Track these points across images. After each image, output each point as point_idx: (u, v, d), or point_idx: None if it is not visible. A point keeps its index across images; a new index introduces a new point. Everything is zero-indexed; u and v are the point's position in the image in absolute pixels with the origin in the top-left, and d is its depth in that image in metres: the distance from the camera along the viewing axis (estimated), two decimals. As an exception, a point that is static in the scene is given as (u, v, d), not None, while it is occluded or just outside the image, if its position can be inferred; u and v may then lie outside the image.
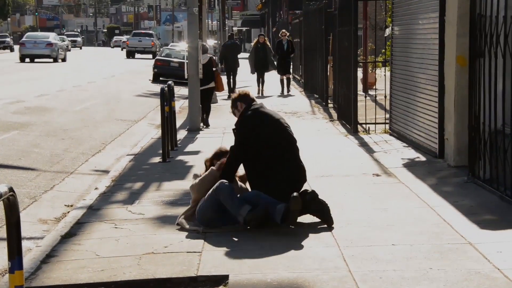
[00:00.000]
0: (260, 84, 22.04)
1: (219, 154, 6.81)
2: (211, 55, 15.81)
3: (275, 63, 22.22)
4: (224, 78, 18.31)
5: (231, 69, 21.84)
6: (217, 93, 18.41)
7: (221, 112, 17.25)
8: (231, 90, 21.95)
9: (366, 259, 5.34)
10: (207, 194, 6.37)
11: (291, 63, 23.71)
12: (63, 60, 43.23)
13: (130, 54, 51.64)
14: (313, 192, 6.54)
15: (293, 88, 23.26)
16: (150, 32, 60.34)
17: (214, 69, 15.15)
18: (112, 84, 27.39)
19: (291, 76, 23.06)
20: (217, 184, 6.31)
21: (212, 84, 14.99)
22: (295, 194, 6.23)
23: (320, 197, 7.43)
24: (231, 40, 23.86)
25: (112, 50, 72.29)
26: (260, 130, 6.64)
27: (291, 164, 6.66)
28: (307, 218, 6.49)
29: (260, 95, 21.27)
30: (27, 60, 41.19)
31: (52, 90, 23.35)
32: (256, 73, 22.10)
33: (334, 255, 5.49)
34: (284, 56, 22.05)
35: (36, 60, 41.81)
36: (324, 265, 5.24)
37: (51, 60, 41.83)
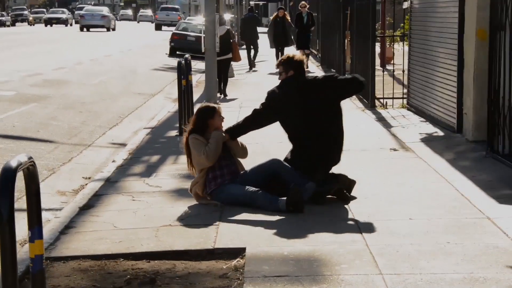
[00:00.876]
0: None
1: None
2: (228, 27, 16.41)
3: (294, 37, 21.37)
4: (243, 53, 20.25)
5: (251, 43, 22.44)
6: (234, 68, 18.58)
7: (237, 86, 17.21)
8: (251, 63, 22.62)
9: (383, 233, 5.34)
10: (238, 193, 6.15)
11: (311, 37, 22.18)
12: (114, 29, 52.97)
13: (158, 27, 55.89)
14: (340, 175, 6.45)
15: (309, 63, 22.91)
16: (177, 7, 63.52)
17: (231, 40, 15.71)
18: (129, 58, 27.40)
19: (309, 51, 22.05)
20: (252, 190, 6.10)
21: (229, 55, 15.60)
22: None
23: (336, 171, 7.43)
24: (250, 13, 23.98)
25: (139, 24, 72.68)
26: (290, 101, 6.44)
27: (319, 140, 6.44)
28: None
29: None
30: (84, 29, 51.66)
31: (70, 63, 23.40)
32: (275, 47, 21.46)
33: (351, 229, 5.48)
34: (303, 30, 20.92)
35: (91, 29, 51.61)
36: (341, 238, 5.24)
37: (105, 29, 51.73)
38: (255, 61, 22.86)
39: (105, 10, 53.93)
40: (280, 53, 20.99)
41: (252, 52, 22.66)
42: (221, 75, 15.11)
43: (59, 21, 63.55)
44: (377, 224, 5.58)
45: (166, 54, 29.69)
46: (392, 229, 5.42)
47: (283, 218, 5.84)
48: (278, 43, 21.08)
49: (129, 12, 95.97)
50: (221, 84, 15.21)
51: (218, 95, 14.45)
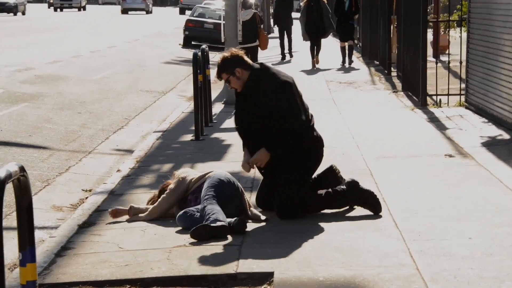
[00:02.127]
0: (315, 53, 19.83)
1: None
2: (255, 11, 16.52)
3: (334, 26, 20.14)
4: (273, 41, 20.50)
5: (285, 28, 22.94)
6: (263, 59, 18.64)
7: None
8: (289, 51, 23.28)
9: (437, 255, 5.31)
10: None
11: (355, 26, 21.00)
12: (151, 12, 66.19)
13: (183, 11, 61.38)
14: (352, 181, 6.53)
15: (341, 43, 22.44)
16: None
17: (258, 26, 16.09)
18: (136, 49, 27.60)
19: (353, 43, 20.87)
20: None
21: (256, 43, 15.89)
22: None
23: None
24: None
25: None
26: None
27: (318, 146, 6.66)
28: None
29: (313, 67, 19.62)
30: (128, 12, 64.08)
31: (66, 55, 23.63)
32: (309, 39, 19.86)
33: (399, 249, 5.46)
34: (344, 18, 19.90)
35: (131, 12, 64.04)
36: (386, 261, 5.23)
37: (144, 12, 64.84)
38: (292, 47, 23.39)
39: None
40: (316, 46, 19.78)
41: (286, 40, 23.13)
42: None
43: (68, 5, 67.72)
44: (430, 244, 5.55)
45: (180, 44, 29.85)
46: (448, 251, 5.39)
47: (316, 236, 5.83)
48: (313, 34, 19.75)
49: None
50: None
51: None
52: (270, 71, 6.57)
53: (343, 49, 20.15)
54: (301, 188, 6.41)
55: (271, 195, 6.53)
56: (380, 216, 6.33)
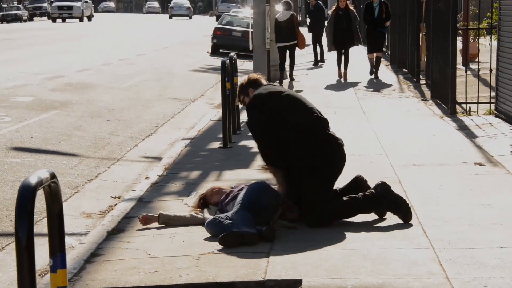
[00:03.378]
0: (343, 65, 18.69)
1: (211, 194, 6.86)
2: (292, 12, 18.50)
3: (360, 35, 19.21)
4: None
5: (318, 36, 23.52)
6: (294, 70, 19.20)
7: (292, 89, 17.25)
8: (321, 60, 23.93)
9: (467, 264, 5.27)
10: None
11: (386, 35, 19.57)
12: (191, 18, 76.59)
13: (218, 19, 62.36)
14: (383, 184, 6.48)
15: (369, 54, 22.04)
16: None
17: (296, 26, 18.12)
18: (165, 57, 27.74)
19: (382, 54, 19.28)
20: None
21: (294, 42, 17.90)
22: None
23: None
24: (317, 5, 24.19)
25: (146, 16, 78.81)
26: (277, 108, 6.57)
27: (327, 144, 6.56)
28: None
29: (342, 79, 18.56)
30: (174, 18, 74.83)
31: (96, 63, 23.80)
32: (336, 50, 18.78)
33: (428, 258, 5.43)
34: (374, 26, 18.55)
35: (177, 18, 74.72)
36: (415, 270, 5.20)
37: (188, 18, 75.10)
38: (324, 57, 23.98)
39: (187, 3, 78.37)
40: (344, 56, 18.77)
41: (318, 48, 23.87)
42: (284, 62, 18.08)
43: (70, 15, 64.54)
44: (460, 253, 5.51)
45: (208, 52, 29.96)
46: (478, 259, 5.35)
47: (344, 244, 5.82)
48: (340, 43, 18.60)
49: (155, 4, 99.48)
50: (283, 71, 18.04)
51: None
52: (256, 92, 6.78)
53: (371, 60, 19.01)
54: (324, 195, 6.39)
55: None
56: (409, 225, 6.30)
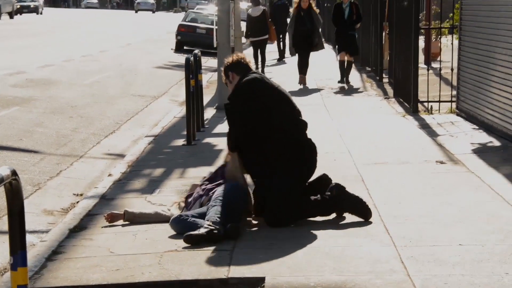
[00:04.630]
0: (304, 70, 17.35)
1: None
2: (264, 8, 19.83)
3: (336, 38, 17.65)
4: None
5: (281, 32, 23.83)
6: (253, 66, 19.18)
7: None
8: (281, 54, 24.68)
9: (428, 261, 5.32)
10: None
11: (356, 37, 17.75)
12: (154, 12, 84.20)
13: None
14: (338, 185, 6.50)
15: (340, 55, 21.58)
16: None
17: (269, 20, 19.66)
18: (128, 54, 27.59)
19: (352, 59, 17.50)
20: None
21: (266, 36, 19.38)
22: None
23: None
24: (281, 0, 24.57)
25: (137, 15, 77.24)
26: (264, 100, 6.46)
27: (306, 148, 6.57)
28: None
29: (303, 85, 17.21)
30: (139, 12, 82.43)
31: (58, 59, 23.59)
32: (297, 54, 17.54)
33: (390, 256, 5.47)
34: (344, 28, 17.10)
35: (142, 11, 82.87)
36: (378, 267, 5.23)
37: (152, 12, 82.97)
38: (285, 52, 24.63)
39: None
40: (304, 60, 17.37)
41: (281, 42, 24.67)
42: (257, 56, 19.44)
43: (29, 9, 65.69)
44: (421, 250, 5.56)
45: (172, 49, 29.86)
46: (439, 257, 5.40)
47: (307, 242, 5.84)
48: (301, 47, 17.30)
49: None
50: (261, 66, 19.41)
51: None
52: (240, 81, 6.57)
53: (341, 63, 17.18)
54: (290, 197, 6.37)
55: (262, 203, 6.53)
56: (371, 222, 6.34)
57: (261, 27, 19.62)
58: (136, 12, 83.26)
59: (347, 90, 16.38)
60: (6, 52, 26.19)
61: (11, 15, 56.00)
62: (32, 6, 65.99)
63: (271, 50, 24.96)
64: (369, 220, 6.37)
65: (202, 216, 6.19)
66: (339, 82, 17.06)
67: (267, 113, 6.44)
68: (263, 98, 6.47)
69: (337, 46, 17.75)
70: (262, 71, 19.37)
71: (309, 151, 6.58)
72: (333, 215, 6.53)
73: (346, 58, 17.00)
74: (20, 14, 62.91)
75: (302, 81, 17.29)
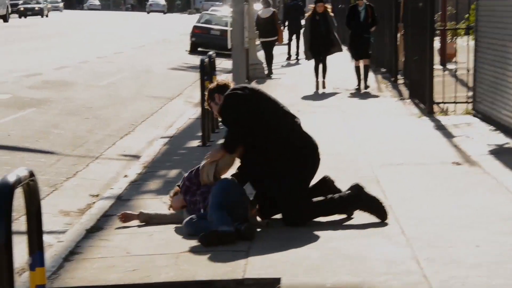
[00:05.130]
0: (320, 75, 16.85)
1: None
2: (274, 9, 20.45)
3: (350, 41, 17.03)
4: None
5: (294, 32, 24.65)
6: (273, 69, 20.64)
7: (269, 89, 17.26)
8: (297, 53, 25.24)
9: (444, 263, 5.30)
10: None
11: (371, 41, 17.23)
12: (165, 13, 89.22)
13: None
14: (357, 185, 6.50)
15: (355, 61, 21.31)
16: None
17: (278, 22, 20.58)
18: (143, 55, 27.66)
19: (368, 63, 17.15)
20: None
21: (275, 37, 20.15)
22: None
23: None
24: (294, 1, 25.10)
25: (148, 15, 78.67)
26: (258, 106, 6.43)
27: (308, 148, 6.51)
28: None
29: (319, 90, 16.69)
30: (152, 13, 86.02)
31: (74, 61, 23.68)
32: (313, 57, 16.96)
33: (406, 257, 5.46)
34: (359, 31, 16.64)
35: (154, 13, 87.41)
36: (394, 268, 5.22)
37: (163, 13, 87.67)
38: (299, 52, 25.04)
39: (163, 1, 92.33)
40: (322, 64, 16.93)
41: (294, 42, 25.09)
42: (268, 54, 20.34)
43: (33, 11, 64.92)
44: (438, 251, 5.54)
45: (187, 50, 29.92)
46: (455, 258, 5.38)
47: (323, 243, 5.83)
48: (318, 51, 16.80)
49: (96, 1, 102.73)
50: (271, 65, 20.25)
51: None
52: (238, 86, 6.63)
53: (357, 69, 16.72)
54: (302, 195, 6.38)
55: (267, 205, 6.53)
56: (387, 224, 6.32)
57: (270, 28, 20.22)
58: (148, 13, 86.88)
59: (362, 92, 16.33)
60: (21, 54, 26.32)
61: (4, 18, 52.20)
62: (36, 8, 64.54)
63: (285, 51, 25.31)
64: (385, 221, 6.36)
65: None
66: (356, 89, 16.47)
67: (261, 114, 6.42)
68: (253, 101, 6.46)
69: (351, 51, 17.21)
70: (270, 70, 20.20)
71: (307, 147, 6.51)
72: (343, 215, 6.51)
73: (361, 63, 16.59)
74: (25, 17, 62.55)
75: (319, 86, 16.76)
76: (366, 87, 16.56)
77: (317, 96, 15.83)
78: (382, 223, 6.34)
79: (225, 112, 6.50)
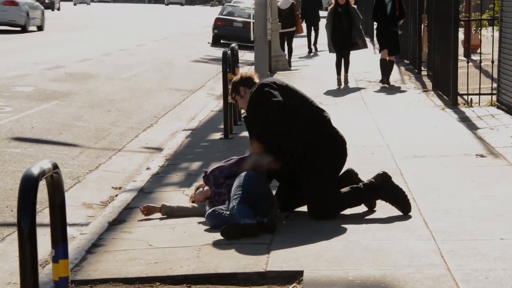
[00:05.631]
0: (343, 70, 16.26)
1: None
2: (292, 1, 20.95)
3: (377, 35, 16.75)
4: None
5: (312, 24, 25.09)
6: (292, 61, 21.07)
7: (292, 81, 17.25)
8: (314, 45, 25.71)
9: (468, 256, 5.29)
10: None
11: (399, 35, 16.52)
12: (183, 5, 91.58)
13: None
14: (384, 174, 6.47)
15: (378, 52, 20.96)
16: None
17: (297, 13, 21.13)
18: (165, 48, 27.72)
19: (393, 58, 16.47)
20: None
21: (293, 28, 20.69)
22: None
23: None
24: None
25: (167, 7, 79.63)
26: (283, 97, 6.35)
27: (338, 143, 6.52)
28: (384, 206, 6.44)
29: (342, 86, 16.10)
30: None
31: (96, 53, 23.79)
32: (335, 52, 16.23)
33: (429, 250, 5.45)
34: (386, 24, 15.91)
35: (172, 5, 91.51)
36: (417, 261, 5.21)
37: (180, 5, 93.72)
38: (317, 44, 25.60)
39: None
40: (344, 59, 16.24)
41: (313, 34, 25.42)
42: (284, 45, 20.72)
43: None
44: (461, 244, 5.52)
45: (209, 43, 29.96)
46: (479, 251, 5.36)
47: (345, 236, 5.83)
48: (341, 46, 16.06)
49: None
50: (290, 56, 20.91)
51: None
52: (253, 90, 6.54)
53: (382, 62, 16.00)
54: (332, 188, 6.39)
55: (289, 199, 6.55)
56: (410, 216, 6.31)
57: (289, 19, 20.69)
58: (166, 5, 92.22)
59: (385, 86, 16.26)
60: (44, 47, 26.48)
61: None
62: (46, 1, 61.99)
63: (304, 43, 25.73)
64: (409, 214, 6.34)
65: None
66: (380, 81, 16.06)
67: (289, 109, 6.38)
68: (282, 95, 6.40)
69: (379, 43, 16.70)
70: (289, 61, 20.70)
71: (337, 141, 6.52)
72: (365, 208, 6.50)
73: (387, 57, 15.93)
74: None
75: (341, 82, 16.16)
76: (388, 82, 15.92)
77: (339, 89, 15.80)
78: (405, 215, 6.33)
79: (254, 107, 6.46)
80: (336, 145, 6.50)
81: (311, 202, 6.39)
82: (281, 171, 6.51)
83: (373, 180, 6.48)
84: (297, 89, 6.69)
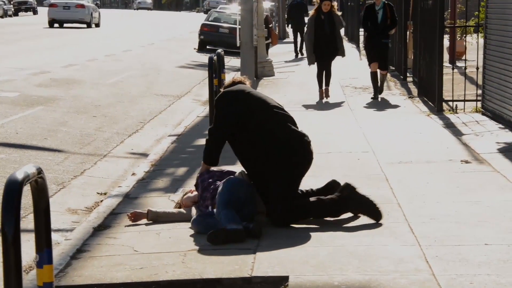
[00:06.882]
0: (324, 82, 15.06)
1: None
2: (266, 13, 21.52)
3: (362, 45, 16.37)
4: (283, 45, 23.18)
5: (298, 29, 25.81)
6: (276, 61, 20.57)
7: (279, 86, 17.27)
8: (300, 50, 26.15)
9: (453, 261, 5.30)
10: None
11: (389, 47, 15.51)
12: (151, 9, 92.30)
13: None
14: (348, 185, 6.42)
15: (364, 58, 19.97)
16: None
17: (270, 25, 21.78)
18: (151, 53, 27.70)
19: (386, 71, 15.58)
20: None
21: (268, 40, 21.22)
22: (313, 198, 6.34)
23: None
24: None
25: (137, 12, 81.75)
26: (247, 104, 6.52)
27: (294, 145, 6.47)
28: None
29: (323, 100, 14.90)
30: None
31: (81, 59, 23.73)
32: (317, 63, 14.97)
33: (415, 255, 5.46)
34: (376, 33, 14.80)
35: (141, 10, 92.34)
36: (402, 267, 5.22)
37: (148, 10, 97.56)
38: (303, 49, 25.76)
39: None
40: (326, 71, 15.02)
41: (299, 39, 25.99)
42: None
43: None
44: (446, 250, 5.54)
45: (195, 49, 29.95)
46: (464, 256, 5.38)
47: (331, 241, 5.84)
48: (322, 55, 14.84)
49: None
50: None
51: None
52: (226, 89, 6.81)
53: (373, 75, 14.82)
54: (286, 194, 6.33)
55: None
56: (396, 222, 6.32)
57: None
58: (136, 9, 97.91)
59: (370, 89, 16.28)
60: (29, 52, 26.38)
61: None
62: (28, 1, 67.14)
63: (291, 49, 26.52)
64: (379, 221, 6.30)
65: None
66: (372, 98, 14.72)
67: (249, 114, 6.47)
68: (243, 101, 6.54)
69: (367, 55, 15.59)
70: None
71: (295, 143, 6.46)
72: (348, 214, 6.48)
73: (379, 72, 14.87)
74: (17, 15, 63.32)
75: (322, 95, 14.99)
76: (378, 93, 14.88)
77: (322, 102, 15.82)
78: (394, 222, 6.32)
79: (216, 108, 6.75)
80: (294, 152, 6.42)
81: (268, 210, 6.39)
82: (249, 175, 6.55)
83: (339, 193, 6.42)
84: (258, 93, 6.79)
